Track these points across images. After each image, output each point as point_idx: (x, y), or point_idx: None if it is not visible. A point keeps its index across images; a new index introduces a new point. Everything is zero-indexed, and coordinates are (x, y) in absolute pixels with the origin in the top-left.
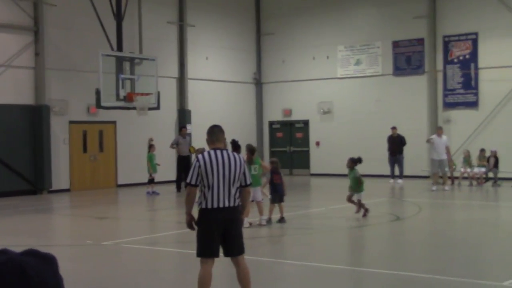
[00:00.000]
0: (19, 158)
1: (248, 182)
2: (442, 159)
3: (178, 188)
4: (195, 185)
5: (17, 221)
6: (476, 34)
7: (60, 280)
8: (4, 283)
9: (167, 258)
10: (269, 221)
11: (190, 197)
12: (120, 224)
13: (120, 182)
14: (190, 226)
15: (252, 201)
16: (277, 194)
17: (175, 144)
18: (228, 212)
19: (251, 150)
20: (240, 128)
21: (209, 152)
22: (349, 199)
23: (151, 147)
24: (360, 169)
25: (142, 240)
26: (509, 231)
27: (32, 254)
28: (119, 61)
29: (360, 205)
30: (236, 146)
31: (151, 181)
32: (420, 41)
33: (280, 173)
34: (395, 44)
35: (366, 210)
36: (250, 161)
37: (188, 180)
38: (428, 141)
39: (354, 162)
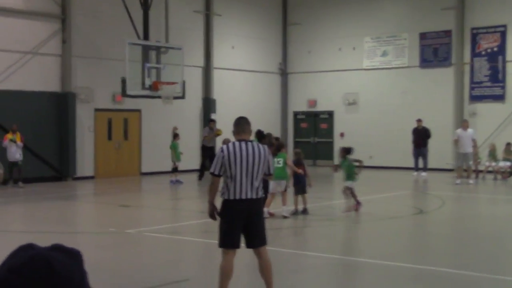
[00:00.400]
0: (45, 145)
1: (271, 171)
2: (467, 152)
3: (200, 177)
4: (218, 175)
5: (43, 208)
6: (505, 26)
7: (85, 274)
8: (32, 277)
9: (190, 247)
10: (295, 212)
11: (213, 187)
12: (143, 213)
13: (144, 170)
14: (212, 216)
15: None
16: (300, 185)
17: (205, 135)
18: (250, 204)
19: (278, 146)
20: (264, 118)
21: (234, 143)
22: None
23: (175, 136)
24: (385, 160)
25: (165, 229)
26: None
27: (58, 249)
28: (145, 49)
29: (353, 195)
30: (261, 136)
31: (174, 170)
32: (448, 33)
33: (304, 164)
34: (422, 36)
35: (358, 203)
36: (274, 154)
37: (211, 170)
38: (455, 142)
39: (346, 151)
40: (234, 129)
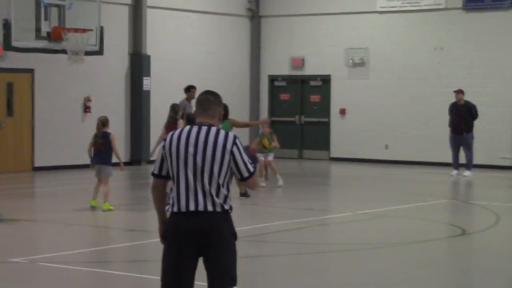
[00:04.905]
0: None
1: (245, 175)
2: None
3: None
4: (160, 176)
5: None
6: None
7: None
8: None
9: (117, 285)
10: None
11: (155, 194)
12: (39, 231)
13: (38, 163)
14: (163, 239)
15: None
16: None
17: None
18: (202, 221)
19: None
20: (226, 85)
21: (182, 129)
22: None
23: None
24: (407, 152)
25: (72, 256)
26: None
27: None
28: None
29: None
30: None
31: None
32: None
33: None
34: None
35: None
36: None
37: (152, 169)
38: None
39: None
40: (195, 109)
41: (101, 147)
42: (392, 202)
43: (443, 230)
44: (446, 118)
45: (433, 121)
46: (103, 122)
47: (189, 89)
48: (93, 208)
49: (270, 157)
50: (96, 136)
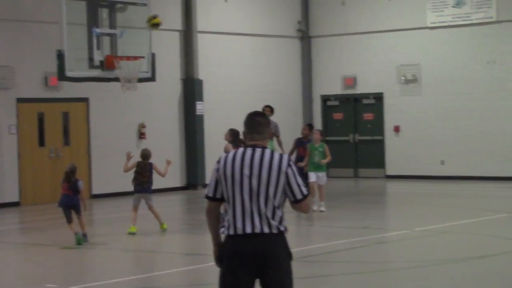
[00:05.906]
0: None
1: (299, 197)
2: None
3: None
4: (214, 199)
5: None
6: None
7: None
8: None
9: None
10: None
11: (210, 218)
12: (97, 257)
13: (96, 191)
14: (218, 261)
15: None
16: None
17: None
18: (259, 243)
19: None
20: (279, 106)
21: (236, 151)
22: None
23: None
24: (464, 167)
25: (131, 282)
26: None
27: None
28: (93, 7)
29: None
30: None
31: None
32: None
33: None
34: None
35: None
36: None
37: (206, 192)
38: None
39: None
40: (244, 130)
41: (146, 179)
42: (450, 218)
43: (503, 244)
44: (501, 131)
45: (488, 135)
46: (147, 156)
47: (263, 110)
48: (132, 234)
49: (323, 181)
50: (143, 169)
